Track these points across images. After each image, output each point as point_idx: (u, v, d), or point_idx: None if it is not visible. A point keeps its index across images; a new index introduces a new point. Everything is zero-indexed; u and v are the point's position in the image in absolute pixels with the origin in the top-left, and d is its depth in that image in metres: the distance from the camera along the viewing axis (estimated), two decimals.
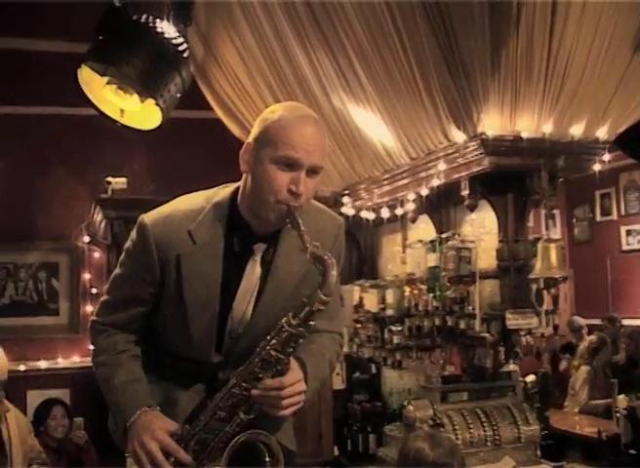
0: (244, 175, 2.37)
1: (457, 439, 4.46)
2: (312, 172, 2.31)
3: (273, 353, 2.27)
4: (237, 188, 2.42)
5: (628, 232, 11.09)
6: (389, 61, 4.40)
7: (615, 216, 11.34)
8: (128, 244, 2.50)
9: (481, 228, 5.02)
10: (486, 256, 4.85)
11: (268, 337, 2.27)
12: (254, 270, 2.45)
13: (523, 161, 4.52)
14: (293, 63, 5.18)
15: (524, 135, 4.42)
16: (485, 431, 4.67)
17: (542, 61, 4.20)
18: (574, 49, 4.21)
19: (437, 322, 4.76)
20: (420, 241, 5.22)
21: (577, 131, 4.55)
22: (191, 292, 2.41)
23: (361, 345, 5.94)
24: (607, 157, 4.77)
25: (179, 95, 4.75)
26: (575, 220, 12.05)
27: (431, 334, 4.87)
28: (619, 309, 10.74)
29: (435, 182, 4.80)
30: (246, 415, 2.34)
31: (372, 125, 4.88)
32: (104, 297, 2.59)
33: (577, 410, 7.59)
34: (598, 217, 11.64)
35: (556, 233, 11.79)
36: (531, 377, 6.55)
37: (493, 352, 4.79)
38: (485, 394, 4.93)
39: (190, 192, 2.49)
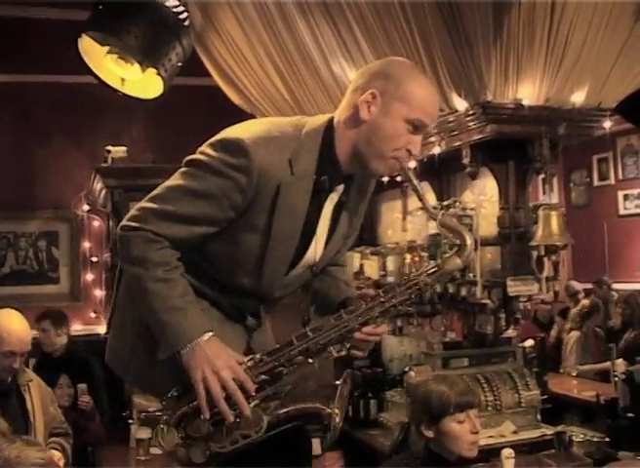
0: (350, 116, 2.37)
1: None
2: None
3: (397, 306, 2.35)
4: (329, 123, 2.41)
5: (625, 197, 11.11)
6: (391, 30, 4.39)
7: (612, 181, 11.35)
8: (208, 160, 2.32)
9: (482, 195, 5.04)
10: (487, 224, 4.87)
11: (397, 290, 2.35)
12: (330, 209, 2.49)
13: (524, 128, 4.53)
14: (293, 31, 5.16)
15: (525, 102, 4.42)
16: (486, 396, 4.72)
17: (544, 30, 4.20)
18: (575, 17, 4.21)
19: (438, 289, 4.79)
20: (421, 208, 5.22)
21: (578, 98, 4.56)
22: (280, 224, 2.36)
23: None
24: (608, 124, 4.79)
25: (180, 63, 4.76)
26: (572, 185, 12.06)
27: (432, 301, 4.90)
28: (615, 273, 10.80)
29: (437, 150, 4.81)
30: (337, 352, 2.35)
31: None
32: (159, 206, 2.34)
33: (574, 374, 7.65)
34: (595, 182, 11.66)
35: (553, 198, 11.80)
36: (529, 342, 6.58)
37: (493, 318, 4.83)
38: (486, 360, 4.98)
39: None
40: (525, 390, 4.83)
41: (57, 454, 4.13)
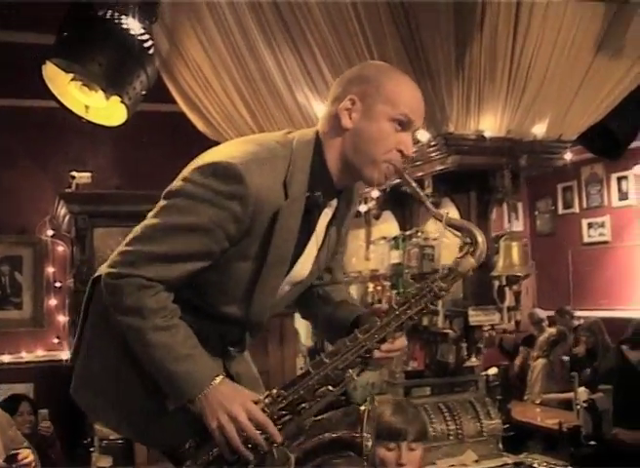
0: (333, 127, 2.31)
1: None
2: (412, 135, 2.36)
3: (414, 317, 2.28)
4: (316, 138, 2.34)
5: (590, 225, 11.23)
6: (354, 60, 4.41)
7: (576, 209, 11.48)
8: (197, 188, 2.17)
9: None
10: (449, 253, 4.87)
11: (412, 300, 2.26)
12: (324, 225, 2.43)
13: (486, 160, 4.56)
14: (258, 60, 5.17)
15: (487, 134, 4.45)
16: (448, 425, 4.72)
17: (506, 62, 4.24)
18: (537, 50, 4.26)
19: None
20: (384, 238, 5.25)
21: (539, 130, 4.60)
22: (276, 249, 2.26)
23: (323, 338, 5.96)
24: (568, 156, 4.84)
25: (144, 92, 4.75)
26: (537, 213, 12.18)
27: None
28: (580, 301, 10.89)
29: (398, 180, 4.82)
30: (357, 375, 2.27)
31: None
32: (147, 247, 2.18)
33: (538, 402, 7.68)
34: (560, 210, 11.78)
35: (519, 225, 11.87)
36: (493, 370, 6.62)
37: (455, 348, 4.84)
38: (448, 389, 4.98)
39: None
40: (487, 419, 4.83)
41: (25, 452, 4.11)
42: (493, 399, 5.24)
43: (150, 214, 2.27)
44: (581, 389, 6.46)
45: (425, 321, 4.72)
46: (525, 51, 4.23)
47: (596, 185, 11.16)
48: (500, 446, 4.95)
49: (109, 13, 4.61)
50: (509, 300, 4.76)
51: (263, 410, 2.20)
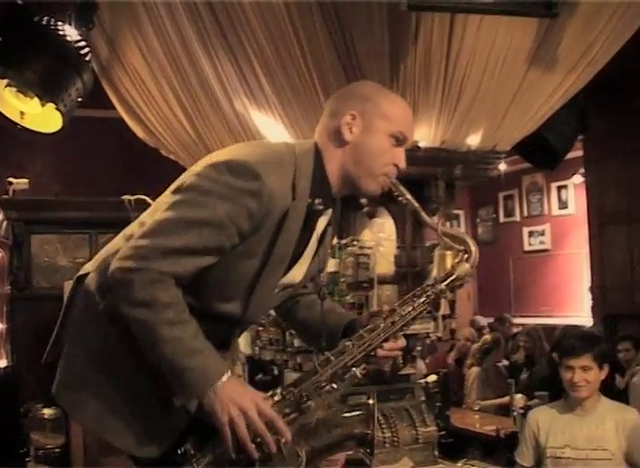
0: (333, 140, 2.43)
1: None
2: None
3: (417, 318, 2.48)
4: (316, 147, 2.44)
5: (530, 233, 11.40)
6: (290, 69, 4.44)
7: (517, 218, 11.66)
8: (212, 184, 2.24)
9: (380, 233, 5.09)
10: (385, 262, 4.91)
11: (415, 303, 2.44)
12: (321, 231, 2.51)
13: (420, 170, 4.59)
14: (196, 67, 5.17)
15: (422, 144, 4.50)
16: (383, 433, 4.73)
17: (440, 73, 4.29)
18: (470, 62, 4.32)
19: None
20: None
21: (473, 140, 4.66)
22: (280, 248, 2.34)
23: (263, 348, 5.95)
24: (503, 166, 4.91)
25: (80, 99, 4.73)
26: (479, 221, 12.32)
27: None
28: (521, 308, 11.04)
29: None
30: (360, 373, 2.37)
31: (273, 130, 4.91)
32: (160, 241, 2.22)
33: (476, 409, 7.75)
34: (501, 218, 11.95)
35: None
36: (432, 377, 6.67)
37: None
38: (384, 397, 4.99)
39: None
40: (422, 426, 4.85)
41: None
42: (432, 406, 5.27)
43: (162, 208, 2.30)
44: (518, 396, 6.54)
45: None
46: (459, 63, 4.29)
47: (537, 194, 11.34)
48: (436, 452, 4.97)
49: (45, 19, 4.58)
50: (444, 309, 4.80)
51: (272, 408, 2.26)
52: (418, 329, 4.72)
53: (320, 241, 2.54)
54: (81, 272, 2.54)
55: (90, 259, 2.66)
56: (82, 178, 6.99)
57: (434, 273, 4.62)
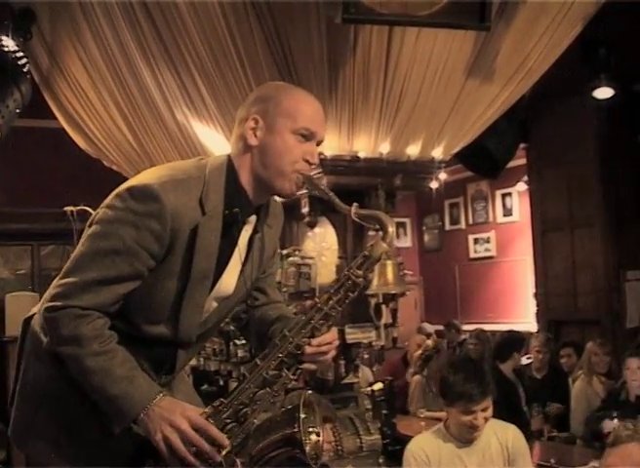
0: (241, 147, 2.38)
1: None
2: (317, 145, 2.43)
3: (337, 308, 2.30)
4: (228, 159, 2.41)
5: (476, 240, 11.48)
6: (230, 80, 4.45)
7: (463, 225, 11.73)
8: (118, 213, 2.24)
9: (323, 243, 5.11)
10: (327, 272, 4.94)
11: (332, 290, 2.30)
12: (245, 241, 2.46)
13: (360, 180, 4.64)
14: (137, 77, 5.16)
15: (361, 155, 4.54)
16: (328, 441, 4.75)
17: (379, 84, 4.34)
18: (409, 73, 4.37)
19: None
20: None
21: (413, 151, 4.71)
22: (198, 265, 2.30)
23: (207, 358, 5.94)
24: (443, 175, 4.96)
25: (18, 110, 4.68)
26: (425, 229, 12.39)
27: None
28: (467, 315, 11.11)
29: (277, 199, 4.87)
30: (293, 375, 2.29)
31: (214, 140, 4.92)
32: (78, 278, 2.23)
33: (422, 416, 7.76)
34: (447, 226, 12.02)
35: (406, 241, 12.12)
36: (378, 385, 6.67)
37: (334, 365, 4.88)
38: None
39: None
40: (366, 435, 4.87)
41: None
42: (378, 413, 5.28)
43: (78, 245, 2.30)
44: None
45: None
46: (397, 74, 4.34)
47: (482, 202, 11.43)
48: (381, 460, 5.00)
49: None
50: (386, 318, 4.83)
51: (208, 421, 2.22)
52: (360, 338, 4.75)
53: (249, 250, 2.50)
54: (29, 314, 2.53)
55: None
56: (23, 190, 6.90)
57: (375, 282, 4.66)
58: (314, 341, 2.32)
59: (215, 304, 2.50)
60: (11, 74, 4.55)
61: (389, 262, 4.69)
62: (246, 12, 4.11)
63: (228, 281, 2.48)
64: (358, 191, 4.73)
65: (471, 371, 3.95)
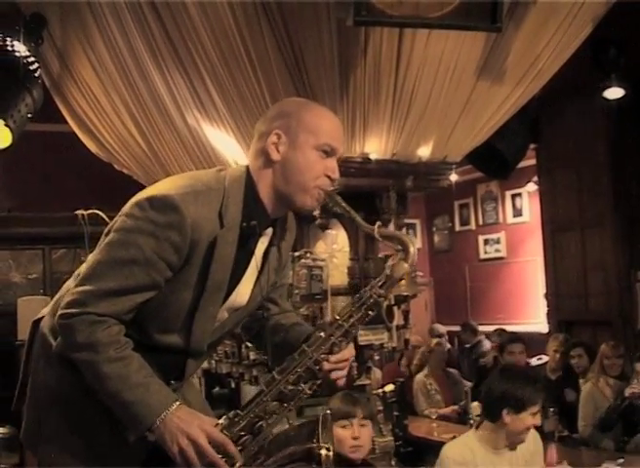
0: (262, 162, 2.42)
1: None
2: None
3: (356, 324, 2.37)
4: (247, 171, 2.44)
5: (485, 241, 11.47)
6: (240, 83, 4.45)
7: (473, 226, 11.72)
8: (137, 222, 2.27)
9: (334, 245, 5.11)
10: (338, 274, 4.93)
11: (353, 308, 2.37)
12: (261, 253, 2.49)
13: (372, 182, 4.64)
14: (148, 81, 5.16)
15: (372, 156, 4.54)
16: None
17: (390, 86, 4.33)
18: (420, 75, 4.37)
19: None
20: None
21: (424, 152, 4.71)
22: (214, 276, 2.33)
23: (219, 361, 5.94)
24: (454, 177, 4.96)
25: (30, 114, 4.70)
26: (434, 230, 12.38)
27: None
28: (477, 316, 11.09)
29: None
30: (309, 389, 2.32)
31: (225, 144, 4.92)
32: (95, 286, 2.25)
33: (434, 417, 7.76)
34: (457, 227, 12.01)
35: (417, 243, 12.10)
36: (390, 387, 6.67)
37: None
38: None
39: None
40: (379, 436, 4.88)
41: None
42: (390, 415, 5.28)
43: (95, 251, 2.34)
44: (475, 403, 6.57)
45: None
46: (408, 75, 4.33)
47: (491, 202, 11.42)
48: (393, 462, 5.00)
49: None
50: (398, 319, 4.83)
51: (222, 433, 2.24)
52: (372, 339, 4.75)
53: (264, 262, 2.53)
54: (38, 316, 2.56)
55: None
56: (35, 194, 6.92)
57: None
58: (332, 358, 2.37)
59: (226, 315, 2.53)
60: (22, 79, 4.57)
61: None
62: (256, 14, 4.10)
63: (243, 292, 2.51)
64: (369, 193, 4.73)
65: (529, 376, 4.23)
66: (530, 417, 3.94)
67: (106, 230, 2.36)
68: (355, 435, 3.72)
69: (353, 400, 3.89)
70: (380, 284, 2.38)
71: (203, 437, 2.19)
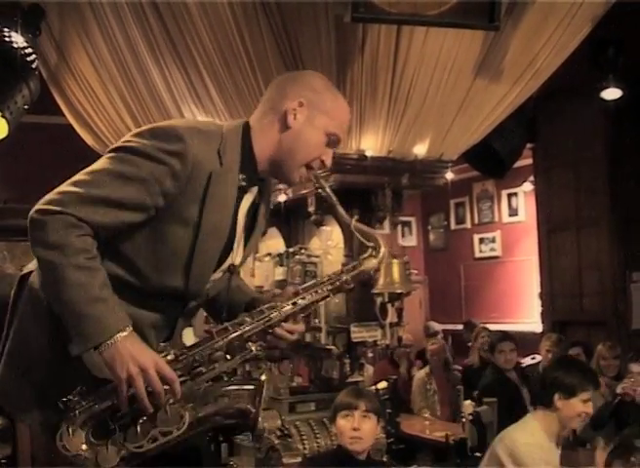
0: (271, 120, 2.44)
1: (304, 448, 4.56)
2: None
3: (318, 303, 2.47)
4: (246, 126, 2.45)
5: (481, 240, 11.45)
6: (237, 77, 4.46)
7: (468, 225, 11.69)
8: (138, 145, 2.24)
9: (329, 241, 5.11)
10: (333, 270, 4.92)
11: (318, 288, 2.44)
12: (245, 210, 2.48)
13: (367, 179, 4.65)
14: (145, 74, 5.17)
15: (368, 153, 4.54)
16: (332, 440, 4.73)
17: (387, 84, 4.34)
18: (417, 73, 4.38)
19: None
20: (269, 254, 5.27)
21: (420, 150, 4.71)
22: (210, 216, 2.33)
23: None
24: (450, 175, 4.95)
25: (26, 106, 4.68)
26: (430, 228, 12.37)
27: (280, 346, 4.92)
28: (471, 314, 11.06)
29: (282, 198, 4.88)
30: (255, 349, 2.32)
31: None
32: (83, 190, 2.18)
33: (426, 415, 7.75)
34: (452, 225, 11.98)
35: (412, 240, 12.10)
36: (382, 384, 6.66)
37: (339, 363, 4.89)
38: (332, 404, 5.01)
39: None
40: None
41: None
42: (383, 412, 5.28)
43: (94, 163, 2.29)
44: (467, 402, 6.56)
45: (309, 337, 4.77)
46: (405, 73, 4.34)
47: (487, 201, 11.40)
48: (385, 458, 4.99)
49: None
50: (391, 317, 4.83)
51: None
52: (365, 336, 4.76)
53: (254, 220, 2.55)
54: (24, 271, 2.47)
55: None
56: (30, 185, 6.86)
57: (381, 281, 4.66)
58: (285, 326, 2.40)
59: (220, 275, 2.52)
60: (19, 70, 4.56)
61: (395, 261, 4.70)
62: (255, 10, 4.11)
63: (238, 250, 2.52)
64: (365, 190, 4.74)
65: (581, 364, 4.58)
66: (580, 404, 4.03)
67: (109, 149, 2.33)
68: (355, 426, 3.77)
69: (357, 392, 3.99)
70: (348, 271, 2.46)
71: (153, 368, 2.14)
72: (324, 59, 4.16)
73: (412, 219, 12.15)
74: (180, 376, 2.22)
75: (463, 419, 6.21)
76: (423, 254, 12.28)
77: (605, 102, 7.38)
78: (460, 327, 10.47)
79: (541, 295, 10.00)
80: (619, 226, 8.89)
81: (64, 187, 2.21)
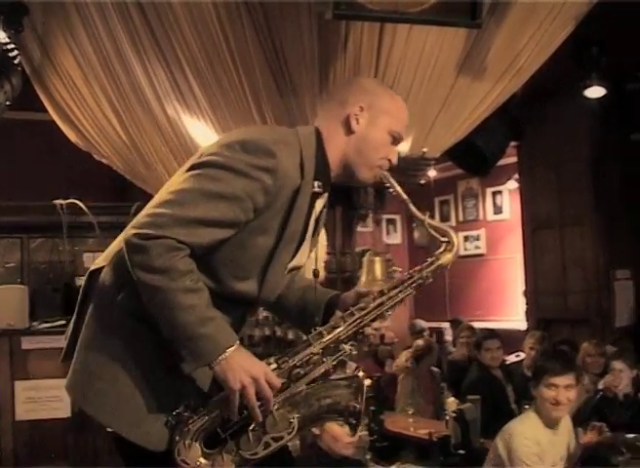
0: (337, 127, 2.51)
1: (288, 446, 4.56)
2: None
3: (401, 300, 2.56)
4: (317, 133, 2.51)
5: (466, 238, 11.50)
6: (221, 75, 4.45)
7: (453, 222, 11.73)
8: (228, 160, 2.27)
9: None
10: (318, 267, 4.92)
11: (405, 284, 2.55)
12: (316, 214, 2.55)
13: None
14: (128, 71, 5.16)
15: None
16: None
17: None
18: (400, 70, 4.37)
19: (267, 332, 4.82)
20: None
21: (403, 147, 4.69)
22: (291, 226, 2.39)
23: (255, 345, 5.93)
24: (432, 173, 4.96)
25: (8, 102, 4.67)
26: (414, 225, 12.37)
27: (262, 343, 4.92)
28: (456, 312, 11.11)
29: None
30: (350, 347, 2.44)
31: (205, 135, 4.92)
32: (179, 212, 2.23)
33: (410, 413, 7.76)
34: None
35: (396, 238, 12.11)
36: (367, 382, 6.65)
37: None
38: None
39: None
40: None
41: None
42: (366, 410, 5.28)
43: (178, 182, 2.32)
44: (451, 399, 6.56)
45: (291, 334, 4.77)
46: (388, 70, 4.34)
47: (472, 199, 11.45)
48: (368, 456, 5.01)
49: None
50: None
51: None
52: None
53: (318, 223, 2.61)
54: (94, 266, 2.50)
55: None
56: (13, 182, 6.87)
57: (363, 278, 4.66)
58: (375, 324, 2.51)
59: (287, 275, 2.58)
60: (1, 66, 4.54)
61: (377, 259, 4.71)
62: (237, 7, 4.11)
63: (305, 252, 2.58)
64: (348, 187, 4.73)
65: (561, 353, 4.83)
66: (545, 389, 4.17)
67: (188, 166, 2.36)
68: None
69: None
70: (427, 267, 2.57)
71: (264, 378, 2.24)
72: (307, 57, 4.16)
73: (397, 217, 12.16)
74: (282, 382, 2.32)
75: (447, 417, 6.22)
76: (408, 252, 12.29)
77: (588, 101, 7.42)
78: (445, 324, 10.51)
79: (526, 293, 10.05)
80: (602, 224, 8.93)
81: (158, 209, 2.27)
